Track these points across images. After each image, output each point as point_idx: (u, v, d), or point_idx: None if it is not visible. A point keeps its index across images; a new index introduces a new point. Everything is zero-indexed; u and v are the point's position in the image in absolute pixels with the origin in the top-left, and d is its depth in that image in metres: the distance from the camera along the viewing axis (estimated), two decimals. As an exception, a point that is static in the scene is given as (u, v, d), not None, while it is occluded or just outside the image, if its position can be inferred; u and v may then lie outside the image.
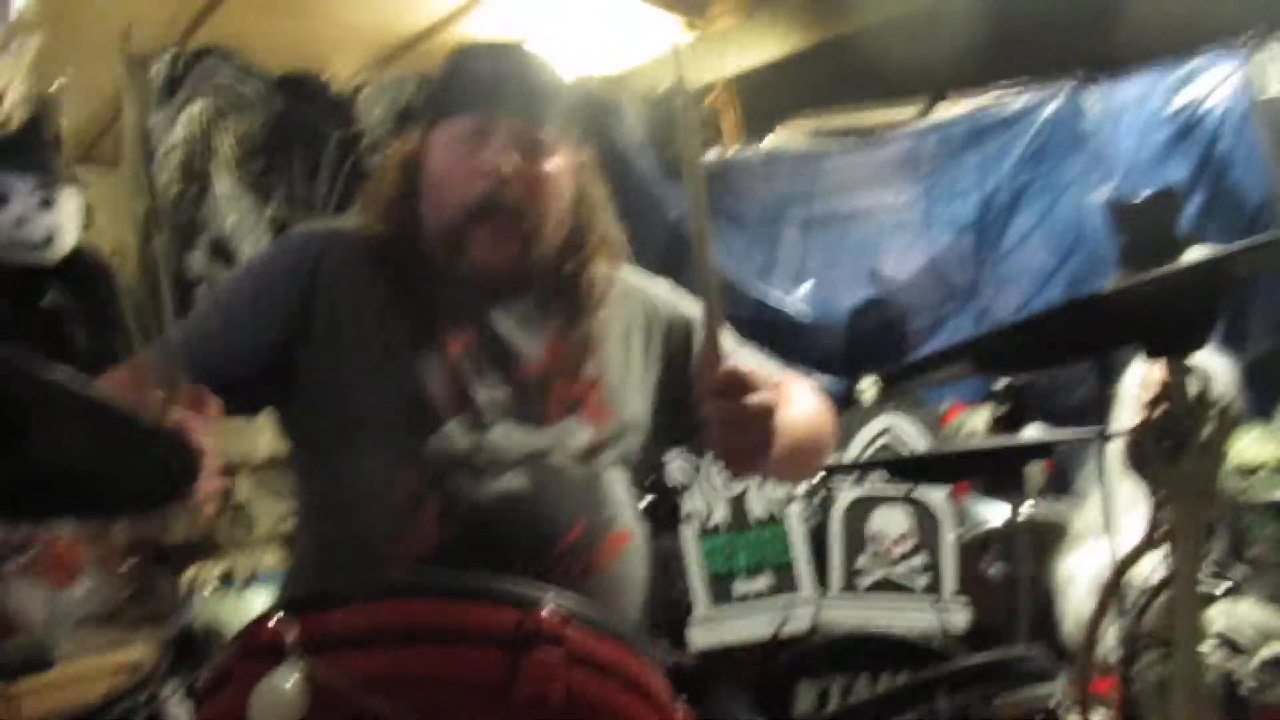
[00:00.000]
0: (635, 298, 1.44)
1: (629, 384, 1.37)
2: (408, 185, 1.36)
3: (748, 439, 1.12)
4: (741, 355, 1.47)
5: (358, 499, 1.25)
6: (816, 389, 1.49)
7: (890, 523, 2.79)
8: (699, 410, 1.12)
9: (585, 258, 1.38)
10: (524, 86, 1.32)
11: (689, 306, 1.46)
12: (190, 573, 2.66)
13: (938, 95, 3.78)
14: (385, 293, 1.30)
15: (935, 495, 2.77)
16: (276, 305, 1.30)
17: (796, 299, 3.72)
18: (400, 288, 1.31)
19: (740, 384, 1.10)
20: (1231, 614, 1.98)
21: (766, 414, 1.12)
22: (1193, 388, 0.92)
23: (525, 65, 1.33)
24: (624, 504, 1.33)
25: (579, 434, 1.29)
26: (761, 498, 2.77)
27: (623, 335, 1.40)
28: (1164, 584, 1.05)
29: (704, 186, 1.10)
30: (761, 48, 4.01)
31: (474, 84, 1.32)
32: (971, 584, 2.70)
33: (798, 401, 1.40)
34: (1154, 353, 0.95)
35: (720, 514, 2.77)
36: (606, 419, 1.32)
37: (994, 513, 2.81)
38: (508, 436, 1.26)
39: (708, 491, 2.74)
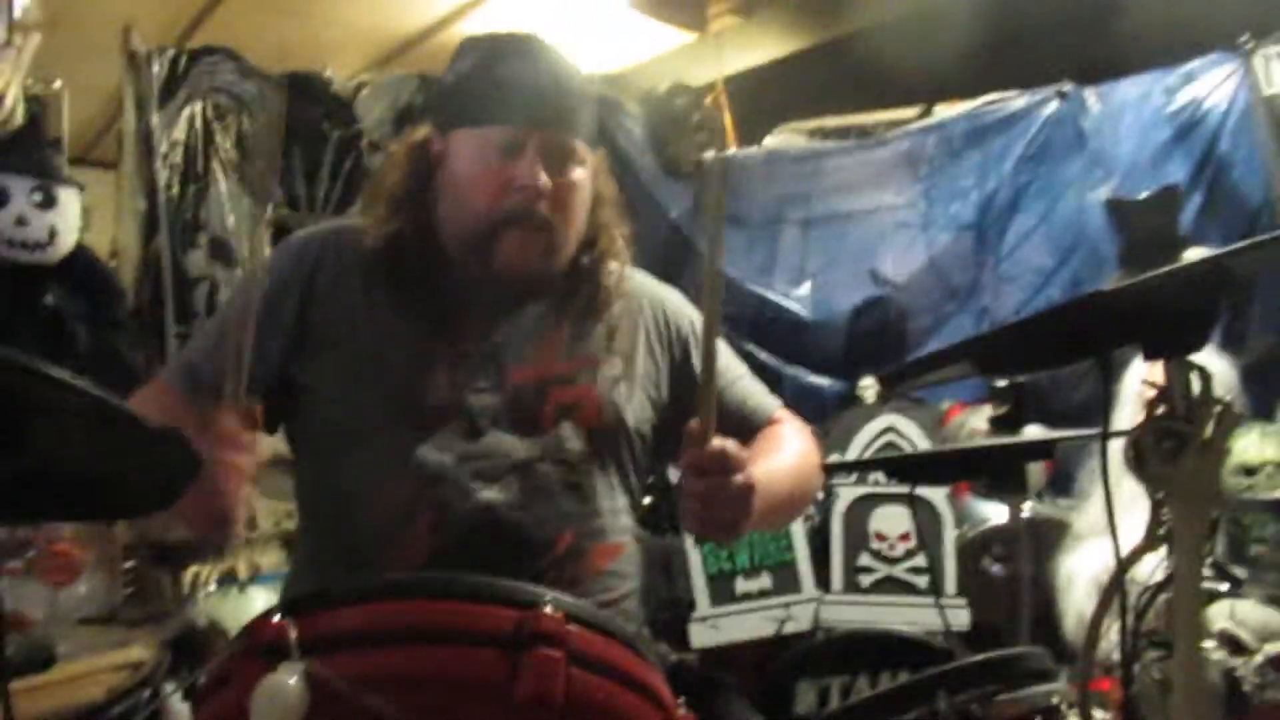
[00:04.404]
0: (646, 304, 1.42)
1: (633, 389, 1.35)
2: (418, 182, 1.34)
3: (724, 516, 1.12)
4: (741, 385, 1.45)
5: (352, 505, 1.23)
6: (803, 429, 1.47)
7: (891, 521, 2.79)
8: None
9: (599, 256, 1.37)
10: (557, 95, 1.29)
11: (698, 321, 1.45)
12: (190, 572, 2.66)
13: (936, 98, 3.78)
14: (386, 294, 1.28)
15: (936, 494, 2.77)
16: (275, 319, 1.27)
17: (797, 298, 3.72)
18: (402, 289, 1.29)
19: (726, 464, 1.10)
20: (1233, 613, 1.98)
21: (746, 494, 1.12)
22: (1193, 388, 0.92)
23: (555, 69, 1.30)
24: (618, 513, 1.31)
25: (573, 441, 1.27)
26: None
27: (630, 340, 1.38)
28: (1164, 584, 1.05)
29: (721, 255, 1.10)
30: (758, 50, 4.01)
31: (506, 90, 1.28)
32: (972, 583, 2.69)
33: (785, 450, 1.38)
34: (1154, 353, 0.95)
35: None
36: (604, 425, 1.30)
37: (995, 512, 2.81)
38: (499, 444, 1.24)
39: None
